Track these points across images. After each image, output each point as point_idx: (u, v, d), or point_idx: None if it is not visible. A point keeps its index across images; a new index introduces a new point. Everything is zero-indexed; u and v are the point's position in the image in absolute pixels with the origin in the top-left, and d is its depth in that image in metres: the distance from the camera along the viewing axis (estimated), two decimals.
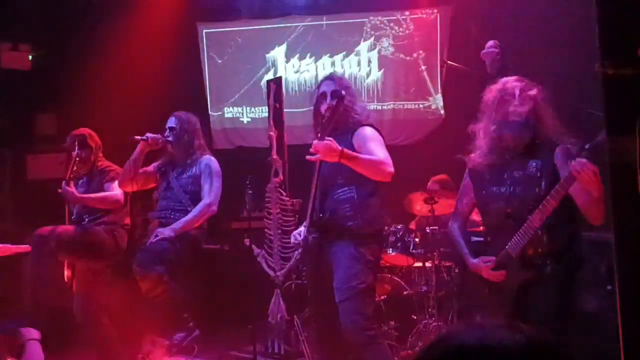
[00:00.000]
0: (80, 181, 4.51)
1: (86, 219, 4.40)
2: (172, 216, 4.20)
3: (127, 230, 4.48)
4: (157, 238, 4.05)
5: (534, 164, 2.79)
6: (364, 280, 3.22)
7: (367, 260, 3.26)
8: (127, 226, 4.48)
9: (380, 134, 3.41)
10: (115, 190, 4.35)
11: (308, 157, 3.16)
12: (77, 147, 4.40)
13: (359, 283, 3.21)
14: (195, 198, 4.20)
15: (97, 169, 4.48)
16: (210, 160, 4.30)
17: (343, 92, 3.30)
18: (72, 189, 4.27)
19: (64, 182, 4.30)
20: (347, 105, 3.32)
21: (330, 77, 3.52)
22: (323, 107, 3.38)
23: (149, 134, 4.19)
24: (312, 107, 3.53)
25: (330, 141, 3.08)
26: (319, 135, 3.17)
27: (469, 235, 3.19)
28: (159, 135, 4.22)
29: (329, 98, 3.38)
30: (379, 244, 3.46)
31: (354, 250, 3.23)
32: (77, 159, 4.39)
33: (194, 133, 4.31)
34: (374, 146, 3.26)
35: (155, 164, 4.42)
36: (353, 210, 3.26)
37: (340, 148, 3.08)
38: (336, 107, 3.26)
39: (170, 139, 4.25)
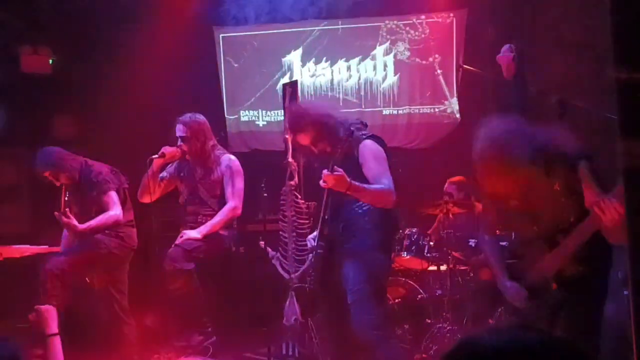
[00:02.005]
0: (69, 192, 4.36)
1: None
2: (202, 220, 4.24)
3: (133, 226, 4.44)
4: (183, 238, 4.11)
5: (556, 184, 2.70)
6: (374, 283, 3.25)
7: (377, 264, 3.28)
8: (131, 222, 4.42)
9: (381, 143, 3.40)
10: (112, 207, 4.20)
11: (321, 183, 3.18)
12: (55, 180, 4.25)
13: (370, 285, 3.23)
14: (223, 200, 4.24)
15: (85, 178, 4.29)
16: (230, 160, 4.32)
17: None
18: (72, 220, 4.08)
19: (58, 213, 4.11)
20: (311, 138, 3.35)
21: (287, 124, 3.55)
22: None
23: (165, 149, 4.17)
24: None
25: (339, 174, 3.09)
26: (331, 164, 3.15)
27: (500, 247, 3.12)
28: (175, 149, 4.21)
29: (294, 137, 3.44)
30: (391, 248, 3.48)
31: (366, 253, 3.26)
32: (64, 190, 4.27)
33: (204, 134, 4.29)
34: (377, 168, 3.26)
35: (170, 170, 4.43)
36: (372, 222, 3.28)
37: (349, 181, 3.10)
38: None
39: (184, 148, 4.24)
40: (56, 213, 4.10)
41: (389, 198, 3.22)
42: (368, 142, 3.35)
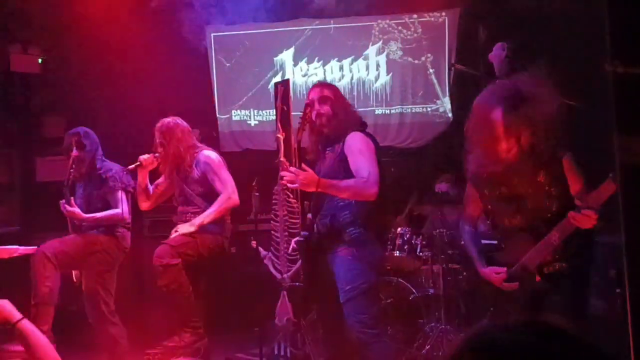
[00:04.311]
0: (79, 185, 4.47)
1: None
2: (189, 219, 4.26)
3: (129, 229, 4.48)
4: (177, 233, 4.12)
5: (540, 174, 2.73)
6: (366, 280, 3.23)
7: (368, 260, 3.26)
8: (128, 225, 4.48)
9: (372, 139, 3.39)
10: (119, 206, 4.32)
11: (285, 181, 3.17)
12: (74, 148, 4.37)
13: (362, 283, 3.22)
14: (208, 198, 4.23)
15: (96, 173, 4.41)
16: (205, 156, 4.30)
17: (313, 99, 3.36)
18: (75, 208, 4.22)
19: (63, 201, 4.26)
20: (332, 112, 3.36)
21: (318, 85, 3.54)
22: (314, 114, 3.39)
23: (141, 158, 4.23)
24: None
25: (307, 172, 3.08)
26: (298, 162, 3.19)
27: (480, 237, 3.15)
28: (149, 156, 4.26)
29: (316, 104, 3.39)
30: (380, 244, 3.46)
31: (355, 251, 3.24)
32: (74, 161, 4.35)
33: (177, 137, 4.29)
34: (360, 160, 3.22)
35: (163, 176, 4.46)
36: (352, 216, 3.26)
37: (317, 178, 3.08)
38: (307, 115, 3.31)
39: (159, 152, 4.28)
40: (61, 202, 4.24)
41: (367, 191, 3.15)
42: (355, 134, 3.33)
